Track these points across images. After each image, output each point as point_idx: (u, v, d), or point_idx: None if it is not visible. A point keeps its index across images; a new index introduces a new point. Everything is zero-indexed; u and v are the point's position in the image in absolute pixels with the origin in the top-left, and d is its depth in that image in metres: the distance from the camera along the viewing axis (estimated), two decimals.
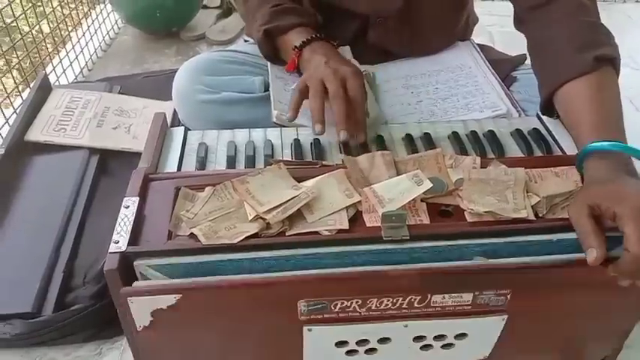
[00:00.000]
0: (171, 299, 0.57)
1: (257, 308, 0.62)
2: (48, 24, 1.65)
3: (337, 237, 0.61)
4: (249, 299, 0.61)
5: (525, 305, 0.64)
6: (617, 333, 0.74)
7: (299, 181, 0.66)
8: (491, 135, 0.81)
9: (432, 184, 0.64)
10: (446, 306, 0.62)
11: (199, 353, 0.68)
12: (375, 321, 0.63)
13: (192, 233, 0.61)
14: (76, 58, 1.70)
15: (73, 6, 1.80)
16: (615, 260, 0.59)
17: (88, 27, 1.82)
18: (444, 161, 0.70)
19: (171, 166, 0.75)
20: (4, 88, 1.40)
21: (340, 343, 0.65)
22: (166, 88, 1.07)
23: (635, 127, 0.78)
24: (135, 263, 0.60)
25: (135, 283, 0.59)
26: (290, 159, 0.77)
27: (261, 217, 0.62)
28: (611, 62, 0.77)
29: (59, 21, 1.70)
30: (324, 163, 0.73)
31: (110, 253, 0.59)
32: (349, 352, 0.66)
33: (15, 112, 1.35)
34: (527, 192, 0.66)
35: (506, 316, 0.64)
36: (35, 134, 1.23)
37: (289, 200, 0.63)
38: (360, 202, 0.64)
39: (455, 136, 0.81)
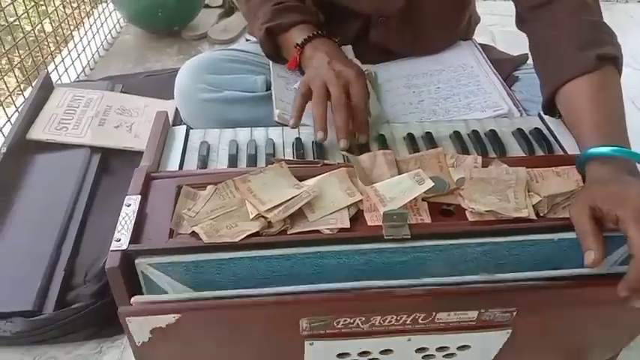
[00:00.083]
0: (170, 319, 0.57)
1: (258, 326, 0.62)
2: (50, 23, 1.65)
3: (338, 236, 0.61)
4: (250, 318, 0.60)
5: (530, 321, 0.63)
6: (621, 341, 0.74)
7: (300, 180, 0.66)
8: (493, 134, 0.81)
9: (433, 184, 0.64)
10: (450, 322, 0.62)
11: None
12: (377, 335, 0.62)
13: (193, 232, 0.61)
14: (78, 57, 1.71)
15: (75, 5, 1.80)
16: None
17: (90, 26, 1.82)
18: (446, 160, 0.70)
19: (172, 164, 0.75)
20: (7, 87, 1.40)
21: (342, 354, 0.65)
22: (168, 87, 1.07)
23: (637, 128, 0.78)
24: (136, 261, 0.60)
25: (134, 299, 0.58)
26: (291, 158, 0.77)
27: (262, 216, 0.62)
28: (613, 61, 0.77)
29: (61, 20, 1.70)
30: (325, 162, 0.73)
31: (112, 251, 0.59)
32: None
33: (17, 110, 1.36)
34: (529, 191, 0.65)
35: (510, 330, 0.63)
36: (37, 133, 1.24)
37: (291, 199, 0.62)
38: (361, 201, 0.64)
39: (456, 136, 0.81)
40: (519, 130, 0.81)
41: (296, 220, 0.62)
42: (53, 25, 1.67)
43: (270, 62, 0.97)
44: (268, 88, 0.94)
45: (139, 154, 0.75)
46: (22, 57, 1.48)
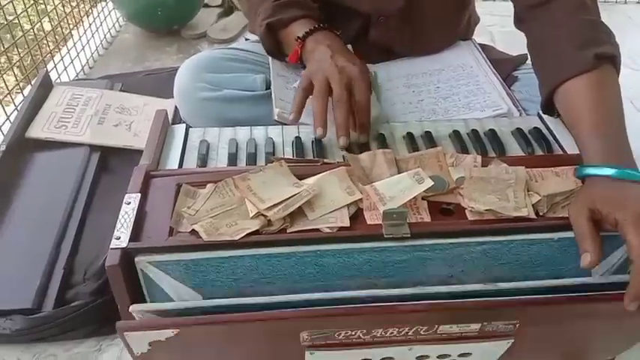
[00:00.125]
0: (168, 333, 0.56)
1: (258, 338, 0.62)
2: (49, 21, 1.65)
3: (338, 234, 0.61)
4: (250, 331, 0.60)
5: (532, 331, 0.63)
6: (622, 346, 0.74)
7: (300, 179, 0.66)
8: (492, 134, 0.81)
9: (433, 183, 0.64)
10: (453, 333, 0.61)
11: None
12: (379, 346, 0.62)
13: (193, 230, 0.61)
14: (77, 55, 1.71)
15: (74, 4, 1.80)
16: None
17: (90, 25, 1.82)
18: (445, 160, 0.70)
19: (172, 163, 0.75)
20: (6, 86, 1.40)
21: None
22: (167, 86, 1.07)
23: (635, 128, 0.78)
24: (136, 259, 0.60)
25: (132, 308, 0.58)
26: (291, 156, 0.77)
27: (262, 214, 0.62)
28: (611, 60, 0.77)
29: (60, 18, 1.70)
30: (325, 160, 0.73)
31: (111, 249, 0.59)
32: None
33: (16, 109, 1.35)
34: (528, 191, 0.66)
35: (512, 340, 0.63)
36: (36, 131, 1.23)
37: (290, 197, 0.63)
38: (361, 199, 0.64)
39: (456, 135, 0.81)
40: (519, 129, 0.82)
41: (296, 218, 0.62)
42: (52, 24, 1.67)
43: (270, 61, 0.97)
44: (268, 87, 0.94)
45: (139, 152, 0.75)
46: (22, 55, 1.48)
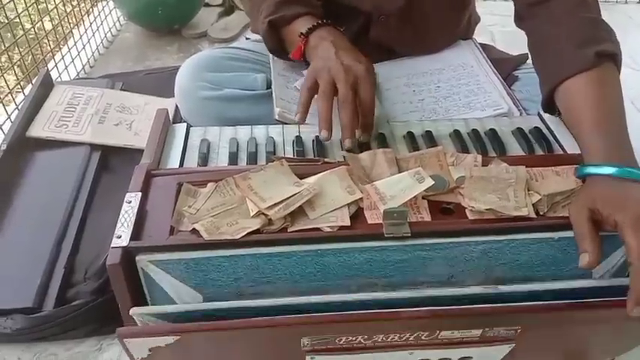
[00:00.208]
0: (169, 339, 0.56)
1: (259, 343, 0.61)
2: (50, 20, 1.65)
3: (339, 233, 0.61)
4: (250, 338, 0.60)
5: (534, 335, 0.63)
6: (623, 347, 0.74)
7: (301, 178, 0.66)
8: (493, 133, 0.81)
9: (433, 182, 0.64)
10: (454, 338, 0.61)
11: None
12: (380, 350, 0.62)
13: (194, 229, 0.61)
14: (78, 54, 1.71)
15: (75, 3, 1.80)
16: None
17: (90, 24, 1.83)
18: (446, 159, 0.70)
19: (173, 162, 0.75)
20: (7, 85, 1.40)
21: None
22: (168, 85, 1.08)
23: (636, 128, 0.78)
24: (137, 258, 0.60)
25: (132, 311, 0.58)
26: (292, 156, 0.77)
27: (263, 213, 0.62)
28: (612, 58, 0.76)
29: (61, 17, 1.70)
30: (325, 160, 0.73)
31: (112, 247, 0.59)
32: None
33: (17, 108, 1.36)
34: (529, 190, 0.66)
35: (513, 345, 0.63)
36: (37, 130, 1.24)
37: (291, 197, 0.63)
38: (361, 199, 0.64)
39: (456, 135, 0.81)
40: (519, 129, 0.82)
41: (296, 217, 0.62)
42: (53, 23, 1.67)
43: (271, 60, 0.97)
44: (268, 86, 0.94)
45: (139, 151, 0.75)
46: (22, 54, 1.48)
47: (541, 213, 0.64)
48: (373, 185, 0.65)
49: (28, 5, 1.56)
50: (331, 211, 0.63)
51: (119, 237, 0.60)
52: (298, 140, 0.79)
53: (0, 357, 0.93)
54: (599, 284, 0.62)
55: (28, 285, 0.94)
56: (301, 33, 0.86)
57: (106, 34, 1.91)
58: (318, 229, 0.62)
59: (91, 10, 1.90)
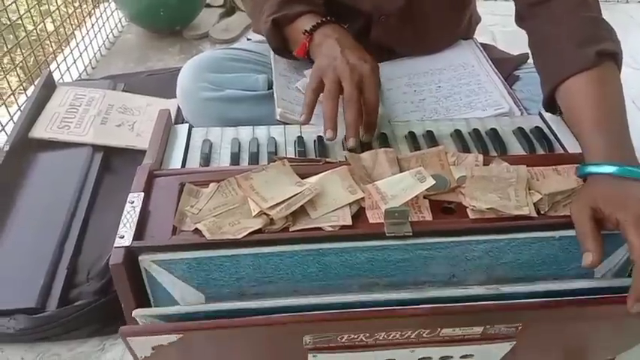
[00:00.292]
0: (172, 338, 0.57)
1: (261, 341, 0.62)
2: (52, 22, 1.66)
3: (340, 233, 0.62)
4: (253, 336, 0.60)
5: (535, 332, 0.64)
6: (624, 345, 0.74)
7: (302, 178, 0.67)
8: (494, 133, 0.81)
9: (434, 181, 0.64)
10: (455, 336, 0.61)
11: None
12: (381, 348, 0.62)
13: (196, 229, 0.62)
14: (80, 56, 1.71)
15: (77, 4, 1.81)
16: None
17: (92, 25, 1.83)
18: (447, 158, 0.70)
19: (175, 162, 0.76)
20: (9, 86, 1.41)
21: None
22: (169, 86, 1.08)
23: (638, 127, 0.78)
24: (140, 258, 0.60)
25: (135, 312, 0.58)
26: (293, 156, 0.77)
27: (264, 213, 0.62)
28: (613, 57, 0.77)
29: (63, 19, 1.71)
30: (327, 160, 0.73)
31: (115, 247, 0.59)
32: None
33: (19, 109, 1.36)
34: (529, 189, 0.66)
35: (514, 342, 0.63)
36: (39, 131, 1.24)
37: (293, 196, 0.63)
38: (363, 198, 0.65)
39: (457, 134, 0.81)
40: (520, 128, 0.82)
41: (298, 217, 0.63)
42: (55, 24, 1.67)
43: (272, 61, 0.97)
44: (270, 87, 0.94)
45: (141, 152, 0.75)
46: (25, 56, 1.48)
47: (542, 212, 0.64)
48: (374, 185, 0.65)
49: (30, 7, 1.57)
50: (333, 211, 0.63)
51: (122, 237, 0.60)
52: (300, 140, 0.80)
53: (3, 357, 0.93)
54: (600, 285, 0.62)
55: (31, 285, 0.95)
56: (305, 30, 0.86)
57: (107, 36, 1.91)
58: (319, 228, 0.62)
59: (92, 11, 1.90)
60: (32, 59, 1.58)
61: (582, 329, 0.67)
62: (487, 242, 0.63)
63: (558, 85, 0.78)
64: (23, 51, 1.47)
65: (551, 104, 0.82)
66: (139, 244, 0.60)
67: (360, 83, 0.77)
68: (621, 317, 0.61)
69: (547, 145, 0.78)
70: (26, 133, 1.23)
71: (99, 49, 1.83)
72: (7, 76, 1.41)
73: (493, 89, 0.94)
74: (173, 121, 0.84)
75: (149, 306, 0.63)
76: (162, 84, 1.45)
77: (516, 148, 0.79)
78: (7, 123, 1.33)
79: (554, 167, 0.70)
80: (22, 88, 1.46)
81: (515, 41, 1.01)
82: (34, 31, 1.57)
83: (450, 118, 0.89)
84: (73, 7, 1.78)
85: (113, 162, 1.23)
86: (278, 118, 0.85)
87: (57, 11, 1.68)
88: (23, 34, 1.49)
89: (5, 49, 1.38)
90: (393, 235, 0.61)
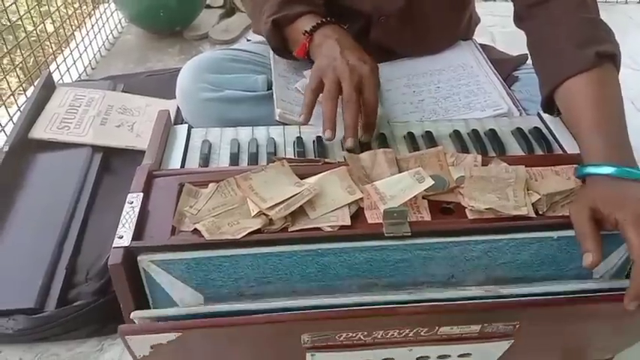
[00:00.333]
0: (170, 336, 0.57)
1: (259, 340, 0.62)
2: (52, 23, 1.66)
3: (339, 233, 0.62)
4: (251, 333, 0.60)
5: (532, 331, 0.64)
6: (622, 345, 0.75)
7: (301, 178, 0.67)
8: (493, 133, 0.81)
9: (433, 182, 0.64)
10: (453, 334, 0.62)
11: None
12: (379, 347, 0.62)
13: (195, 229, 0.62)
14: (80, 56, 1.71)
15: (76, 5, 1.81)
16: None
17: (92, 26, 1.83)
18: (446, 159, 0.70)
19: (174, 163, 0.76)
20: (9, 87, 1.41)
21: None
22: (169, 87, 1.08)
23: (636, 129, 0.78)
24: (138, 258, 0.60)
25: (133, 314, 0.58)
26: (292, 156, 0.77)
27: (264, 214, 0.62)
28: (612, 59, 0.77)
29: (63, 20, 1.71)
30: (326, 160, 0.73)
31: (114, 247, 0.59)
32: None
33: (19, 110, 1.36)
34: (528, 190, 0.66)
35: (512, 341, 0.63)
36: (39, 132, 1.24)
37: (292, 197, 0.63)
38: (362, 198, 0.65)
39: (456, 135, 0.81)
40: (519, 129, 0.82)
41: (297, 217, 0.63)
42: (55, 25, 1.67)
43: (272, 62, 0.97)
44: (269, 87, 0.94)
45: (141, 153, 0.75)
46: (24, 57, 1.48)
47: (540, 212, 0.64)
48: (373, 185, 0.65)
49: (30, 8, 1.57)
50: (332, 211, 0.63)
51: (121, 237, 0.60)
52: (299, 141, 0.80)
53: (2, 357, 0.93)
54: (598, 286, 0.63)
55: (30, 286, 0.95)
56: (306, 31, 0.86)
57: (107, 37, 1.91)
58: (318, 228, 0.62)
59: (92, 12, 1.90)
60: (32, 60, 1.58)
61: (580, 328, 0.67)
62: (486, 242, 0.63)
63: (558, 86, 0.78)
64: (23, 52, 1.47)
65: (549, 105, 0.82)
66: (137, 245, 0.60)
67: (360, 84, 0.77)
68: (619, 316, 0.61)
69: (546, 146, 0.78)
70: (26, 133, 1.23)
71: (99, 50, 1.83)
72: (7, 76, 1.41)
73: (492, 90, 0.94)
74: (172, 121, 0.84)
75: (148, 306, 0.63)
76: (161, 85, 1.45)
77: (515, 148, 0.80)
78: (7, 123, 1.33)
79: (552, 168, 0.70)
80: (21, 88, 1.46)
81: (514, 42, 1.01)
82: (34, 32, 1.57)
83: (448, 118, 0.89)
84: (73, 8, 1.79)
85: (113, 162, 1.24)
86: (277, 118, 0.85)
87: (57, 12, 1.68)
88: (23, 34, 1.49)
89: (5, 50, 1.38)
90: (391, 235, 0.61)
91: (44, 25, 1.60)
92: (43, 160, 1.21)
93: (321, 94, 0.79)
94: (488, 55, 1.04)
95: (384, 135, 0.82)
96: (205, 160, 0.77)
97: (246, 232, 0.61)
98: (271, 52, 0.96)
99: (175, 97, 0.98)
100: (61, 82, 1.56)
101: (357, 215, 0.64)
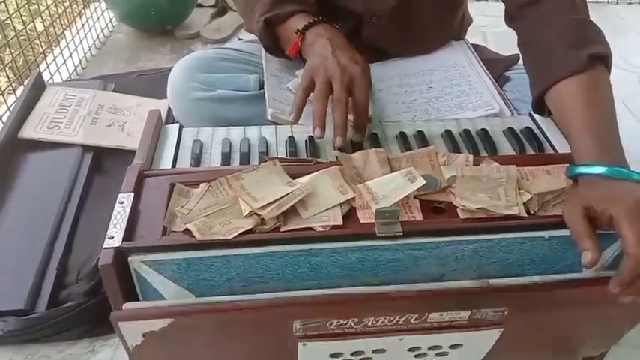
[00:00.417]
0: (162, 323, 0.57)
1: (251, 328, 0.62)
2: (42, 22, 1.65)
3: (331, 233, 0.62)
4: (243, 320, 0.60)
5: (521, 319, 0.64)
6: (612, 337, 0.75)
7: (293, 178, 0.67)
8: (484, 133, 0.81)
9: (425, 182, 0.64)
10: (442, 322, 0.62)
11: None
12: (370, 335, 0.63)
13: (186, 229, 0.61)
14: (70, 56, 1.70)
15: (67, 4, 1.80)
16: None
17: (82, 25, 1.82)
18: (437, 159, 0.70)
19: (165, 162, 0.75)
20: None
21: (335, 354, 0.66)
22: (160, 87, 1.07)
23: (627, 129, 0.79)
24: (129, 259, 0.60)
25: (125, 306, 0.58)
26: (284, 156, 0.77)
27: (255, 213, 0.62)
28: (603, 60, 0.77)
29: (53, 19, 1.70)
30: (318, 160, 0.73)
31: (105, 248, 0.59)
32: None
33: (9, 109, 1.35)
34: (519, 189, 0.66)
35: (502, 329, 0.64)
36: (29, 132, 1.23)
37: (284, 197, 0.63)
38: (354, 198, 0.65)
39: (448, 135, 0.81)
40: (510, 129, 0.82)
41: (289, 217, 0.63)
42: (45, 24, 1.66)
43: (264, 61, 0.97)
44: (261, 87, 0.94)
45: (132, 153, 0.75)
46: (14, 56, 1.47)
47: (532, 212, 0.65)
48: (365, 185, 0.65)
49: (19, 6, 1.56)
50: (324, 211, 0.63)
51: (111, 237, 0.60)
52: (291, 141, 0.80)
53: None
54: (586, 276, 0.63)
55: (21, 286, 0.94)
56: (298, 30, 0.86)
57: (98, 36, 1.90)
58: (310, 228, 0.62)
59: (83, 11, 1.89)
60: (22, 59, 1.57)
61: (568, 318, 0.67)
62: (477, 242, 0.63)
63: (549, 88, 0.78)
64: (12, 51, 1.46)
65: (539, 106, 0.82)
66: (128, 245, 0.60)
67: (351, 84, 0.77)
68: (605, 304, 0.61)
69: (537, 146, 0.79)
70: (15, 133, 1.22)
71: (89, 49, 1.82)
72: None
73: (484, 90, 0.94)
74: (164, 121, 0.83)
75: None
76: (152, 84, 1.44)
77: (506, 148, 0.80)
78: None
79: (544, 167, 0.70)
80: (11, 88, 1.45)
81: (506, 42, 1.02)
82: (24, 30, 1.56)
83: (440, 118, 0.89)
84: (63, 6, 1.78)
85: (103, 162, 1.23)
86: (269, 118, 0.85)
87: (47, 11, 1.67)
88: (12, 33, 1.48)
89: None
90: (383, 235, 0.61)
91: (34, 23, 1.60)
92: (33, 160, 1.20)
93: (312, 94, 0.79)
94: (480, 55, 1.04)
95: (376, 135, 0.82)
96: (197, 159, 0.76)
97: (238, 232, 0.60)
98: (263, 51, 0.96)
99: (166, 97, 0.97)
100: (51, 81, 1.55)
101: (349, 215, 0.64)
